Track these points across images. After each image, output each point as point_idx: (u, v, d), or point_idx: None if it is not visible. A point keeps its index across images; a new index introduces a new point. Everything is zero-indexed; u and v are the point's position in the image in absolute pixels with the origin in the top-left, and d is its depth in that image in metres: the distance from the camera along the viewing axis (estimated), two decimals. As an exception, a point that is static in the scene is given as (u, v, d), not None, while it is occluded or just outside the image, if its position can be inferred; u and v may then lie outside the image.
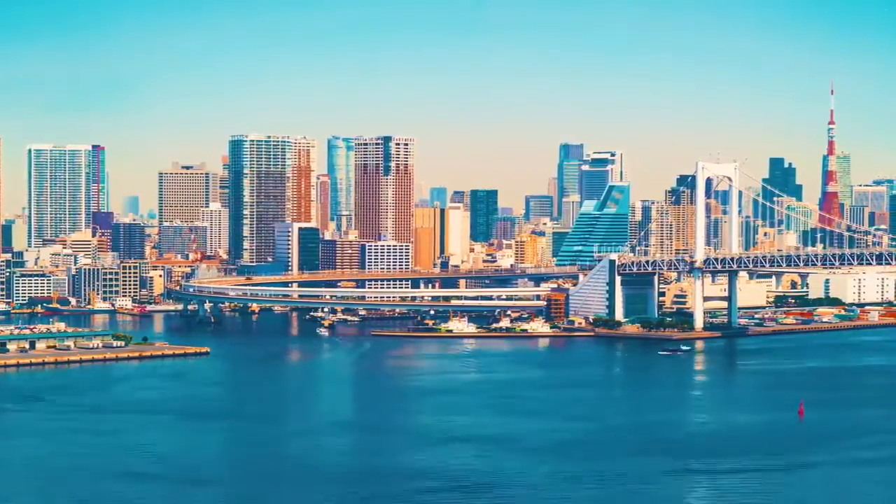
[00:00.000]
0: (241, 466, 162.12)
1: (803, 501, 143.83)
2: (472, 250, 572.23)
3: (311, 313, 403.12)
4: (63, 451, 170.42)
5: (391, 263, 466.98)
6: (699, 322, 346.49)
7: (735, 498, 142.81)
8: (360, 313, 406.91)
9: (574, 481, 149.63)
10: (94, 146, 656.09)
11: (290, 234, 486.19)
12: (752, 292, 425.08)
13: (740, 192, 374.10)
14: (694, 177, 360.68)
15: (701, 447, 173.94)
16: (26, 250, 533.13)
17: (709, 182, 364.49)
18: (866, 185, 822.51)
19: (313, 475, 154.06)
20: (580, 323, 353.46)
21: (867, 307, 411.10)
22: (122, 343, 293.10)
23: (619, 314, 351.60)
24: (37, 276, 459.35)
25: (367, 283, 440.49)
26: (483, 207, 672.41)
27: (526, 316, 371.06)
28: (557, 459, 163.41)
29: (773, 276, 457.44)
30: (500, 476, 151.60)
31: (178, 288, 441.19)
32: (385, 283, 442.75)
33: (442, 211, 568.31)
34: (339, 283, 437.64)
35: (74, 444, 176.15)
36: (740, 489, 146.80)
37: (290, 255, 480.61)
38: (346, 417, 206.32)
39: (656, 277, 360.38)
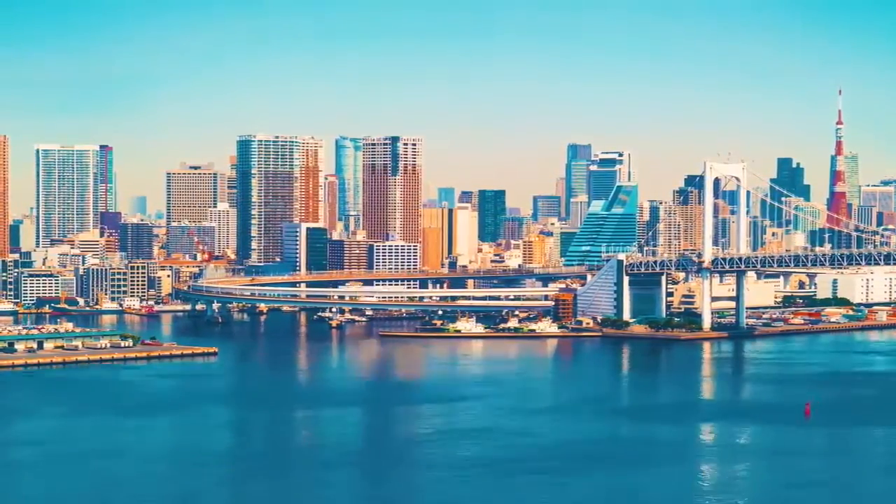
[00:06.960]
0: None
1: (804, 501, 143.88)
2: (479, 250, 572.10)
3: (319, 313, 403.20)
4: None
5: (399, 263, 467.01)
6: (707, 322, 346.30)
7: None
8: (367, 313, 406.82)
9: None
10: (101, 146, 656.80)
11: (297, 234, 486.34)
12: (760, 292, 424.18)
13: (748, 192, 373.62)
14: (702, 177, 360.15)
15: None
16: (34, 250, 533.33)
17: (717, 182, 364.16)
18: (874, 186, 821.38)
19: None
20: (588, 323, 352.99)
21: (875, 307, 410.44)
22: (130, 343, 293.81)
23: (626, 314, 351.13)
24: (45, 276, 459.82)
25: (374, 283, 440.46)
26: (491, 207, 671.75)
27: (534, 316, 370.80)
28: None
29: (781, 277, 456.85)
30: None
31: (186, 288, 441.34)
32: (393, 283, 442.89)
33: (450, 211, 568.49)
34: (346, 283, 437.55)
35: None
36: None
37: (297, 256, 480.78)
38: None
39: (664, 277, 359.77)
